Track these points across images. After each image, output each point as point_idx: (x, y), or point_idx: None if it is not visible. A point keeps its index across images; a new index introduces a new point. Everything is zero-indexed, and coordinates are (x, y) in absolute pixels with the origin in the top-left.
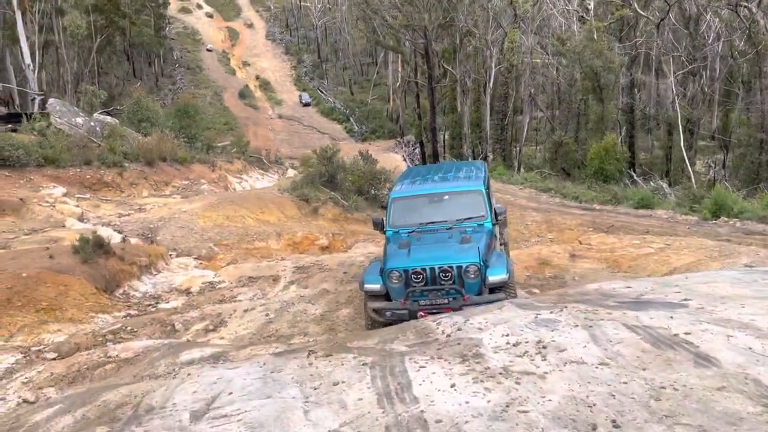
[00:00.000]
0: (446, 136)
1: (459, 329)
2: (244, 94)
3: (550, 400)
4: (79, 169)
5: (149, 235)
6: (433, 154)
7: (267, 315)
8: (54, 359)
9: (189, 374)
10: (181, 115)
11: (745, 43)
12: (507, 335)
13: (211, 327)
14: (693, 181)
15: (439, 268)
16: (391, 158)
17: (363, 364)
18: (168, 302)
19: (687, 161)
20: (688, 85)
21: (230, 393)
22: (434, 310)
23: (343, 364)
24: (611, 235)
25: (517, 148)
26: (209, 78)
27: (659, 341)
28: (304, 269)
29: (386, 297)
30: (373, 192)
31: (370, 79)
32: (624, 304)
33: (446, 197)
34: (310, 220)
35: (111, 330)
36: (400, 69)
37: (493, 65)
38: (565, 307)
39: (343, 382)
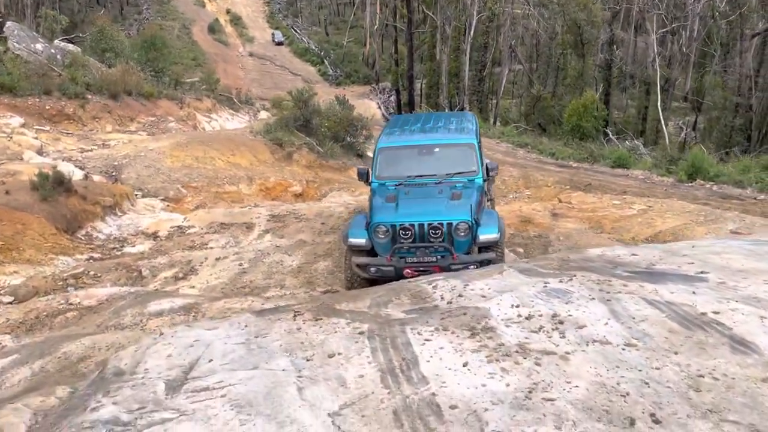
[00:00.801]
0: (423, 85)
1: (460, 295)
2: (213, 29)
3: (576, 387)
4: (38, 99)
5: (113, 173)
6: (409, 103)
7: (240, 265)
8: (9, 303)
9: (162, 333)
10: (148, 47)
11: (727, 3)
12: (517, 306)
13: (180, 275)
14: (667, 141)
15: (429, 224)
16: (366, 105)
17: (359, 333)
18: (134, 246)
19: (662, 122)
20: (667, 44)
21: (210, 360)
22: (422, 268)
23: (336, 332)
24: (591, 193)
25: (495, 101)
26: (177, 9)
27: (687, 321)
28: (280, 218)
29: (370, 252)
30: (349, 139)
31: (347, 20)
32: (637, 274)
33: (436, 150)
34: (283, 165)
35: (72, 274)
36: (378, 11)
37: (474, 12)
38: (574, 275)
39: (339, 353)
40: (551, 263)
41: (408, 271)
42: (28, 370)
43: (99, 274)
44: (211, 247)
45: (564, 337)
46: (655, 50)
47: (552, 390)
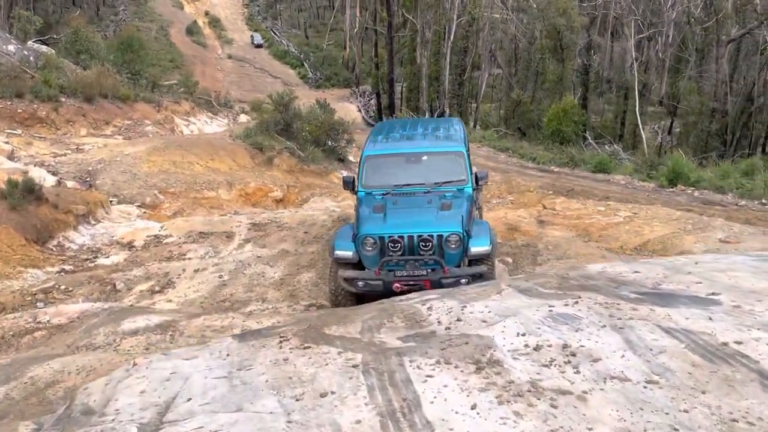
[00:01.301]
0: (403, 88)
1: (458, 319)
2: (191, 31)
3: None
4: (9, 102)
5: (87, 179)
6: (390, 106)
7: (220, 276)
8: None
9: (135, 364)
10: (124, 48)
11: (702, 10)
12: (523, 335)
13: (157, 288)
14: (645, 146)
15: (419, 236)
16: (346, 108)
17: (353, 366)
18: (108, 257)
19: (641, 126)
20: (643, 49)
21: (189, 399)
22: (411, 282)
23: (327, 364)
24: (574, 199)
25: (475, 105)
26: (155, 11)
27: (709, 352)
28: (261, 226)
29: (357, 265)
30: (330, 143)
31: (327, 23)
32: (645, 296)
33: (424, 158)
34: (263, 170)
35: (42, 288)
36: (358, 15)
37: (454, 16)
38: (579, 298)
39: (332, 392)
40: (550, 281)
41: (397, 285)
42: None
43: (70, 288)
44: (190, 258)
45: (578, 372)
46: (633, 55)
47: None
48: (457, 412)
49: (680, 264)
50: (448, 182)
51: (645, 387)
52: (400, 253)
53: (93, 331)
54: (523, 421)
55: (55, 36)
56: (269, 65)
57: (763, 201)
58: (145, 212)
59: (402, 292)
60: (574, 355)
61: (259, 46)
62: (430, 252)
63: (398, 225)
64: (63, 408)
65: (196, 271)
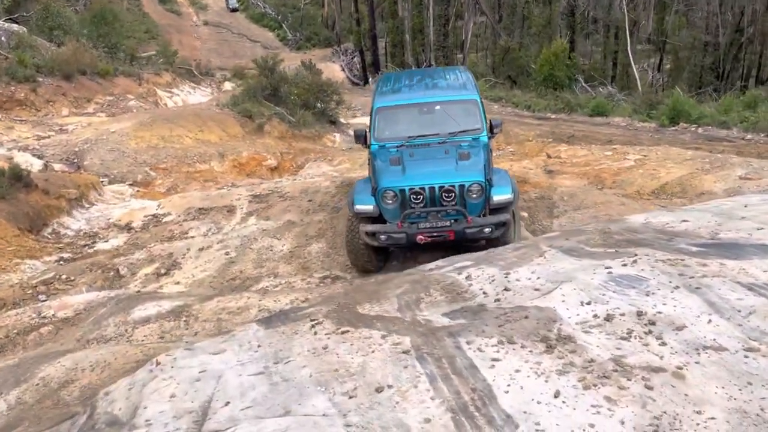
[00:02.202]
0: (387, 44)
1: (506, 289)
2: None
3: (713, 419)
4: None
5: (75, 160)
6: (374, 63)
7: (227, 254)
8: None
9: (158, 363)
10: (98, 21)
11: None
12: (588, 303)
13: (162, 270)
14: (639, 86)
15: (441, 187)
16: (329, 68)
17: (403, 351)
18: (107, 241)
19: (633, 65)
20: None
21: (227, 403)
22: (435, 234)
23: (373, 350)
24: (579, 145)
25: (461, 56)
26: None
27: None
28: (262, 198)
29: (376, 220)
30: (320, 106)
31: None
32: (707, 248)
33: (437, 107)
34: (255, 138)
35: (42, 280)
36: None
37: None
38: (636, 255)
39: (389, 385)
40: (593, 237)
41: (421, 237)
42: (2, 402)
43: (72, 278)
44: (192, 236)
45: (664, 343)
46: None
47: (683, 426)
48: (539, 402)
49: (729, 208)
50: (463, 132)
51: (746, 356)
52: (422, 205)
53: (102, 323)
54: (619, 408)
55: (24, 13)
56: (247, 29)
57: None
58: (138, 191)
59: (426, 244)
60: (653, 323)
61: (234, 10)
62: (453, 202)
63: (419, 177)
64: (84, 418)
65: (200, 249)
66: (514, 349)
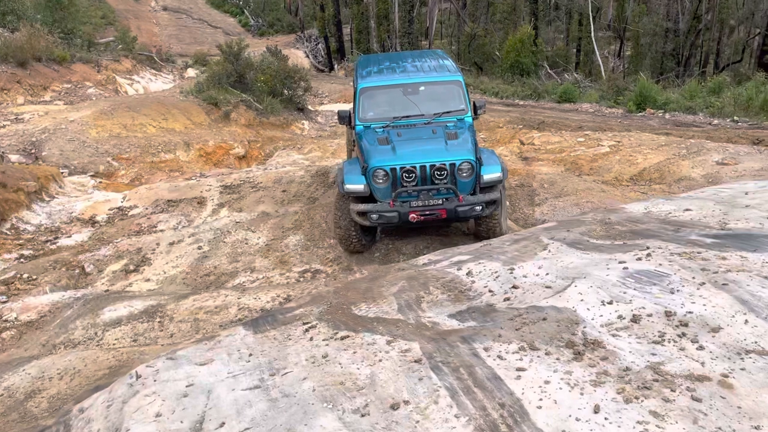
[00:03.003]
0: (352, 30)
1: (514, 287)
2: None
3: None
4: None
5: (33, 151)
6: (339, 50)
7: (200, 248)
8: None
9: (138, 376)
10: (53, 6)
11: None
12: (610, 303)
13: (131, 267)
14: (603, 72)
15: (432, 165)
16: (293, 54)
17: (415, 361)
18: (70, 236)
19: (597, 52)
20: None
21: (222, 423)
22: (427, 212)
23: (379, 359)
24: (550, 132)
25: (427, 43)
26: None
27: None
28: (234, 188)
29: (366, 199)
30: (287, 93)
31: None
32: (722, 240)
33: (422, 88)
34: (221, 126)
35: (2, 279)
36: None
37: None
38: (649, 248)
39: (405, 401)
40: (595, 229)
41: (413, 215)
42: None
43: (34, 277)
44: (162, 230)
45: (702, 348)
46: None
47: None
48: (578, 419)
49: (729, 196)
50: (447, 112)
51: None
52: (414, 183)
53: (69, 326)
54: (668, 425)
55: None
56: (207, 15)
57: (735, 118)
58: (100, 182)
59: (418, 223)
60: (685, 325)
61: None
62: (445, 181)
63: (410, 155)
64: None
65: (171, 244)
66: (538, 357)
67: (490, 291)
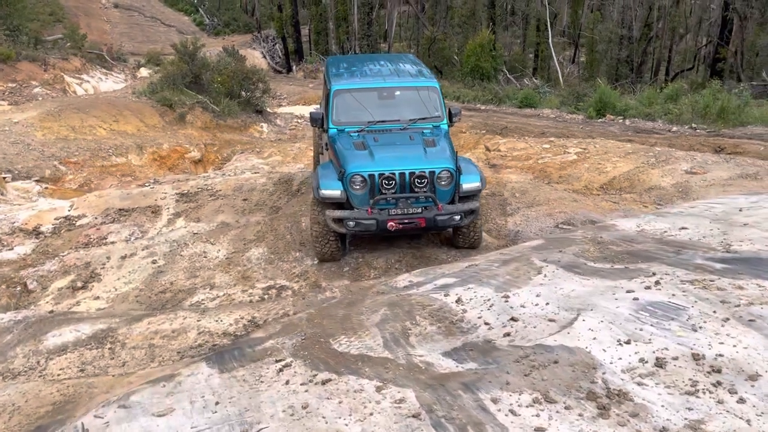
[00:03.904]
0: (310, 31)
1: (512, 318)
2: None
3: None
4: None
5: None
6: (297, 51)
7: (154, 262)
8: None
9: (86, 430)
10: None
11: None
12: (627, 342)
13: (78, 283)
14: (561, 78)
15: (412, 173)
16: (250, 54)
17: (413, 416)
18: (11, 249)
19: (555, 58)
20: None
21: None
22: (406, 221)
23: (371, 413)
24: (513, 137)
25: (386, 46)
26: None
27: None
28: (191, 196)
29: (343, 206)
30: (245, 94)
31: None
32: (731, 264)
33: (397, 93)
34: (176, 129)
35: None
36: None
37: None
38: (654, 275)
39: None
40: (588, 249)
41: (392, 224)
42: None
43: None
44: (113, 242)
45: (743, 401)
46: None
47: None
48: None
49: (722, 212)
50: (423, 119)
51: None
52: (393, 190)
53: (8, 353)
54: None
55: None
56: (161, 13)
57: (693, 125)
58: (46, 187)
59: (397, 231)
60: (718, 371)
61: None
62: (424, 189)
63: (389, 161)
64: None
65: (123, 257)
66: (557, 412)
67: (485, 323)
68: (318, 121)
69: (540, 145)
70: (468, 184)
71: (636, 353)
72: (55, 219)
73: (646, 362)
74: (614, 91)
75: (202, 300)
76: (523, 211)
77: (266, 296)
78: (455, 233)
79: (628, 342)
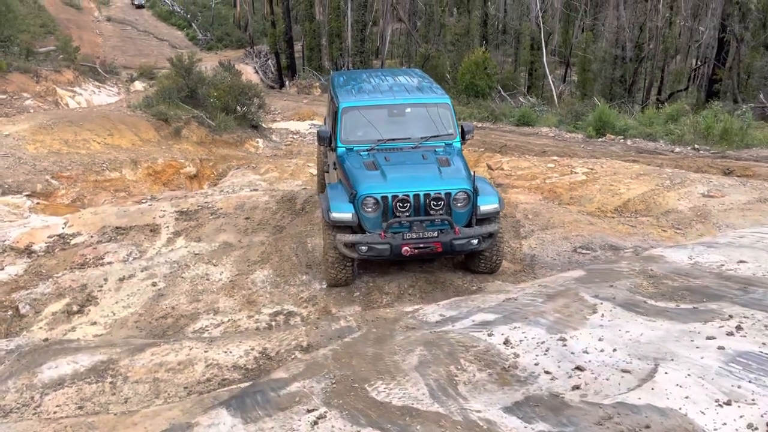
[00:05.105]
0: (303, 47)
1: (577, 368)
2: None
3: None
4: None
5: None
6: (290, 66)
7: (154, 284)
8: None
9: None
10: None
11: None
12: (727, 403)
13: (74, 307)
14: (555, 96)
15: (427, 195)
16: (242, 70)
17: None
18: (2, 269)
19: (549, 76)
20: None
21: None
22: (422, 245)
23: None
24: (512, 155)
25: (379, 63)
26: None
27: None
28: (191, 214)
29: (355, 229)
30: (241, 109)
31: None
32: None
33: (408, 110)
34: (171, 143)
35: None
36: None
37: None
38: (729, 316)
39: None
40: (641, 284)
41: (407, 248)
42: None
43: None
44: (110, 262)
45: None
46: (538, 5)
47: None
48: None
49: None
50: (435, 136)
51: None
52: (407, 214)
53: (0, 388)
54: None
55: None
56: (154, 27)
57: (696, 147)
58: (38, 203)
59: (412, 256)
60: None
61: (140, 6)
62: (440, 212)
63: (403, 183)
64: None
65: (121, 279)
66: None
67: (545, 371)
68: (325, 140)
69: (544, 164)
70: (486, 206)
71: (741, 417)
72: (48, 237)
73: (756, 429)
74: (612, 111)
75: (206, 326)
76: (538, 234)
77: (273, 323)
78: (473, 257)
79: (728, 403)
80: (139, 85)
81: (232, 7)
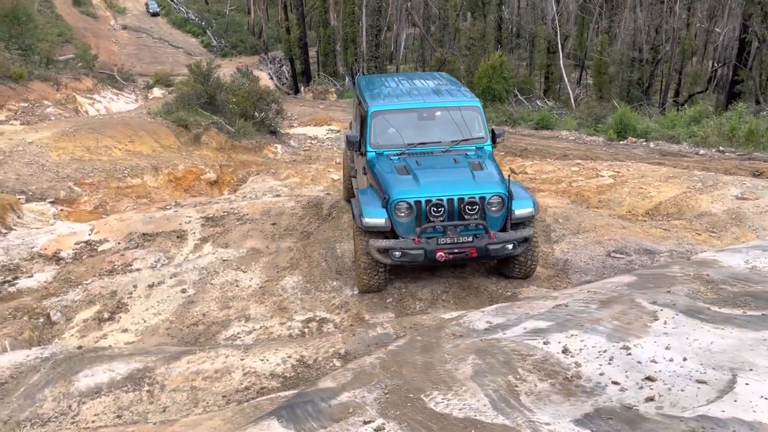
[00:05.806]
0: (318, 53)
1: (648, 378)
2: (79, 1)
3: None
4: None
5: None
6: (304, 72)
7: (184, 291)
8: None
9: None
10: (10, 21)
11: None
12: None
13: (105, 315)
14: (572, 99)
15: (461, 199)
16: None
17: None
18: (32, 276)
19: (566, 79)
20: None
21: None
22: (456, 250)
23: None
24: (533, 159)
25: (394, 67)
26: None
27: None
28: (217, 220)
29: (388, 234)
30: (258, 115)
31: None
32: None
33: (438, 113)
34: (191, 150)
35: None
36: None
37: None
38: None
39: None
40: (699, 290)
41: (441, 254)
42: None
43: None
44: (138, 269)
45: None
46: (554, 8)
47: None
48: None
49: None
50: (466, 140)
51: None
52: (441, 218)
53: (37, 395)
54: None
55: None
56: (169, 34)
57: (721, 149)
58: (61, 209)
59: (446, 262)
60: None
61: (155, 14)
62: (475, 216)
63: (437, 187)
64: None
65: (150, 286)
66: None
67: (613, 382)
68: (354, 144)
69: (568, 167)
70: (520, 210)
71: None
72: (75, 244)
73: None
74: (633, 113)
75: (238, 333)
76: (569, 238)
77: (306, 330)
78: (507, 262)
79: None
80: (157, 92)
81: (246, 14)
